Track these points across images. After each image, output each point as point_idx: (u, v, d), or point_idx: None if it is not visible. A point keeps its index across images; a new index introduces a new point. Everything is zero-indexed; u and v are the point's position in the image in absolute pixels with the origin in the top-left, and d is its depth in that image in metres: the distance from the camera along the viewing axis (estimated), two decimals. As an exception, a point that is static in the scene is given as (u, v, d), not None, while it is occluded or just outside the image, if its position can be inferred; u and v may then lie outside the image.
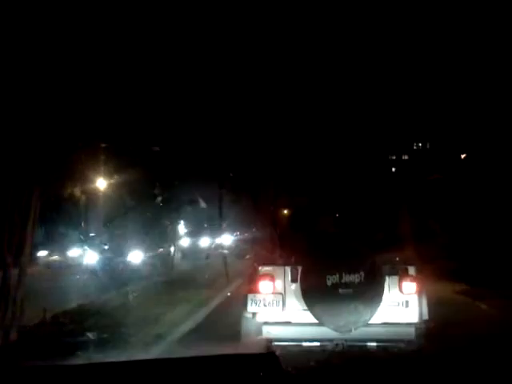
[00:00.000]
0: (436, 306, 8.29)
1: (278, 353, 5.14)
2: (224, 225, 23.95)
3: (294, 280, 5.45)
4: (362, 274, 5.13)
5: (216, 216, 23.44)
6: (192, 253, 25.49)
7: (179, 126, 11.65)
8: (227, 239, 26.34)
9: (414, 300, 5.38)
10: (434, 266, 15.25)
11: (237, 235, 25.61)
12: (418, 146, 39.67)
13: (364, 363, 5.11)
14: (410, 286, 5.38)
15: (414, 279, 5.42)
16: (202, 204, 20.94)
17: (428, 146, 39.03)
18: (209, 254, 26.13)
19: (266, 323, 5.50)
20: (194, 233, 28.14)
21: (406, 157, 38.15)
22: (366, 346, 5.36)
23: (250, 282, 5.84)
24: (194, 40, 10.48)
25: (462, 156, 25.77)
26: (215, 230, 27.74)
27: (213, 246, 28.91)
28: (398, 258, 5.95)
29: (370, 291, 5.13)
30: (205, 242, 29.34)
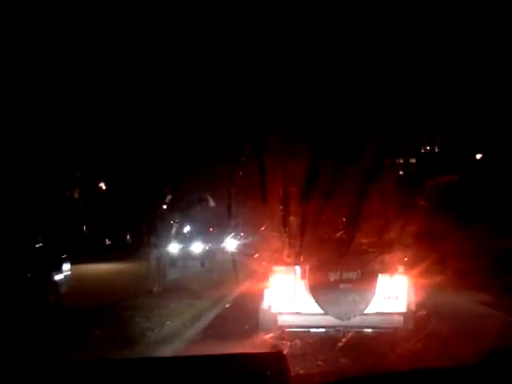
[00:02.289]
0: (458, 322, 7.47)
1: (288, 345, 6.09)
2: (231, 227, 22.67)
3: (302, 277, 6.49)
4: (359, 271, 6.21)
5: (220, 217, 21.26)
6: (189, 259, 22.87)
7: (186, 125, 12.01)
8: (232, 243, 23.73)
9: (402, 293, 6.43)
10: (447, 271, 13.41)
11: (241, 238, 22.58)
12: (425, 149, 40.49)
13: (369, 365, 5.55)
14: (399, 282, 6.44)
15: (402, 276, 6.48)
16: (211, 203, 20.45)
17: (436, 150, 39.76)
18: (204, 260, 23.40)
19: (279, 313, 6.57)
20: (192, 236, 24.86)
21: (413, 160, 38.89)
22: (362, 331, 6.44)
23: (265, 280, 6.93)
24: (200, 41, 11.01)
25: (478, 156, 25.93)
26: (218, 233, 25.84)
27: (217, 248, 25.93)
28: (393, 258, 6.99)
29: (366, 286, 6.20)
30: (204, 245, 25.69)
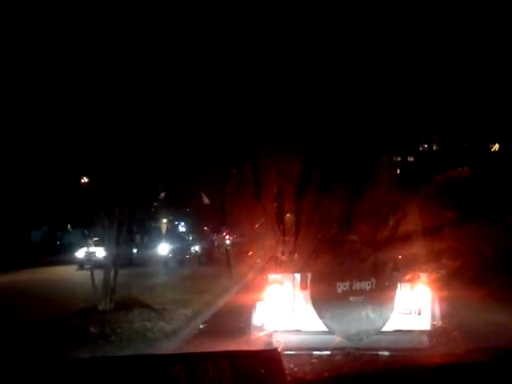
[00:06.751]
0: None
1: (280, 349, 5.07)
2: (224, 225, 21.01)
3: (303, 287, 5.33)
4: (374, 281, 5.01)
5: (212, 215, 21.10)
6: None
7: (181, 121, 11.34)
8: (224, 240, 22.99)
9: (426, 307, 5.27)
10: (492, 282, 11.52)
11: (234, 236, 21.87)
12: (423, 147, 39.49)
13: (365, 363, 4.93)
14: (423, 293, 5.28)
15: (426, 286, 5.32)
16: (206, 200, 19.73)
17: (434, 148, 38.88)
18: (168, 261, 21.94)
19: (275, 331, 5.40)
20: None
21: (411, 158, 37.95)
22: (377, 354, 5.23)
23: (258, 290, 5.75)
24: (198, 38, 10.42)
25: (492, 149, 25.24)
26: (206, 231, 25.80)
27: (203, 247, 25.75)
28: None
29: (382, 299, 5.01)
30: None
